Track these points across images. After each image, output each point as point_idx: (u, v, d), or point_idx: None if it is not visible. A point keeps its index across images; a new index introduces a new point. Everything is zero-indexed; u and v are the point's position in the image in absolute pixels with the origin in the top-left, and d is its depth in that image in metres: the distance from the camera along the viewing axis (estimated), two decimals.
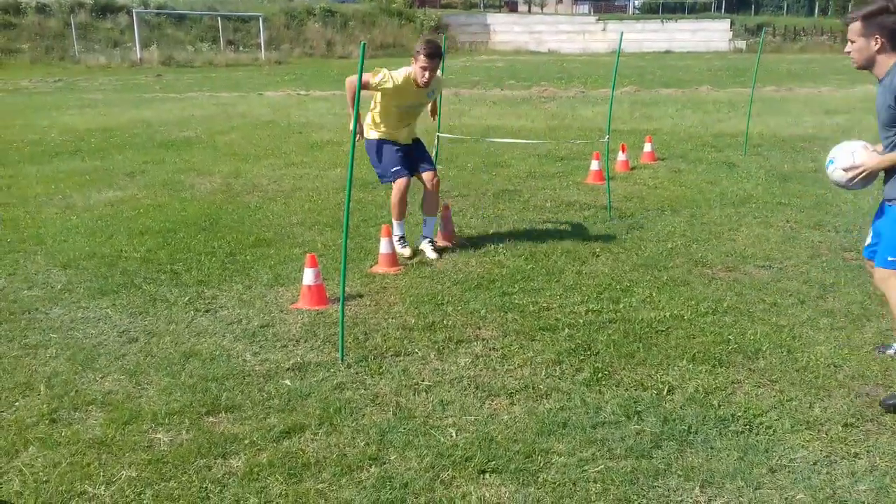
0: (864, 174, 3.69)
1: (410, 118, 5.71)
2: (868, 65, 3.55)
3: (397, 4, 48.67)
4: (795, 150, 10.42)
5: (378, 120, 5.59)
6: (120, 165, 9.61)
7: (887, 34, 3.43)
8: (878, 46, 3.46)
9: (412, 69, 5.32)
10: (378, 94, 5.47)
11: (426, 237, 5.81)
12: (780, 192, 7.89)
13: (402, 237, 5.74)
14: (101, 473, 2.97)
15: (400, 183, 5.58)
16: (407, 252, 5.67)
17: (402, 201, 5.67)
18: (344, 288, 4.11)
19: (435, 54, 5.24)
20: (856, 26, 3.51)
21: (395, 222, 5.73)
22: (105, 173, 9.12)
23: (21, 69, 29.48)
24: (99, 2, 37.06)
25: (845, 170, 3.73)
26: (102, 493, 2.86)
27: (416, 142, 5.85)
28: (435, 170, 5.86)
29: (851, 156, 3.72)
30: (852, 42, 3.55)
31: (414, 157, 5.76)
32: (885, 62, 3.48)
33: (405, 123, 5.68)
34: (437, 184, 5.80)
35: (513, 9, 62.66)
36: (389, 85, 5.29)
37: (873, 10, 3.45)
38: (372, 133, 5.63)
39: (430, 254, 5.69)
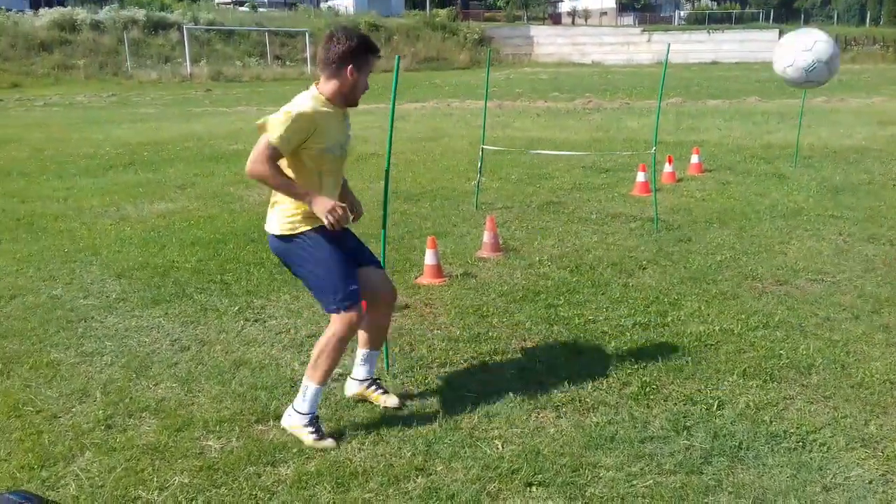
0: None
1: (341, 172, 3.44)
2: None
3: (441, 18, 49.05)
4: (847, 162, 10.20)
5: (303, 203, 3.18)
6: (171, 178, 9.84)
7: None
8: None
9: (321, 88, 3.23)
10: (297, 157, 3.20)
11: (371, 379, 3.65)
12: (832, 204, 7.72)
13: (316, 418, 3.32)
14: (155, 479, 3.04)
15: (354, 313, 3.23)
16: (324, 443, 3.26)
17: (346, 343, 3.31)
18: None
19: (377, 49, 3.31)
20: None
21: (316, 387, 3.29)
22: (157, 185, 9.34)
23: (76, 84, 30.43)
24: (151, 18, 38.13)
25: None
26: (156, 498, 2.92)
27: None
28: (384, 269, 3.63)
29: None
30: None
31: (354, 248, 3.45)
32: None
33: (339, 183, 3.45)
34: (394, 295, 3.62)
35: (556, 21, 62.67)
36: (308, 110, 3.12)
37: None
38: (300, 225, 3.24)
39: (393, 402, 3.59)
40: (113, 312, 4.94)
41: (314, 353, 3.28)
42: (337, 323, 3.23)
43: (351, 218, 3.37)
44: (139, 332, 4.61)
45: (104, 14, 37.43)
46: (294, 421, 3.30)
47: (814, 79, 3.89)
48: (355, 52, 3.19)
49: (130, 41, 35.21)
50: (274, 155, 3.11)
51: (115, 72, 33.74)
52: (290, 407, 3.35)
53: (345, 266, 3.26)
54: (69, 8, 38.95)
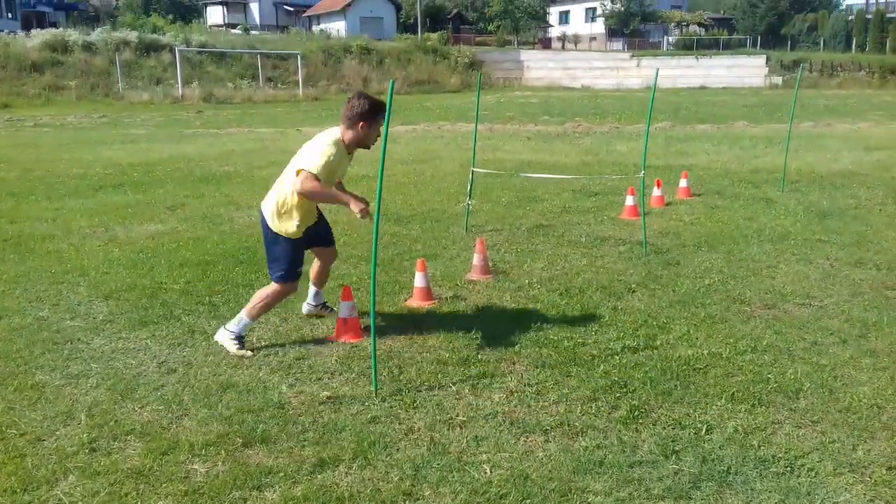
0: None
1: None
2: None
3: (432, 42, 49.42)
4: (834, 187, 10.29)
5: (301, 212, 4.52)
6: (161, 199, 9.83)
7: None
8: None
9: (343, 135, 4.49)
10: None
11: (321, 304, 5.22)
12: (820, 228, 7.78)
13: (241, 337, 4.61)
14: (139, 503, 3.00)
15: (292, 287, 4.67)
16: (243, 352, 4.56)
17: (278, 301, 4.78)
18: (375, 321, 4.13)
19: (382, 110, 4.45)
20: None
21: (245, 320, 4.61)
22: (147, 207, 9.32)
23: (67, 105, 30.41)
24: (143, 40, 38.25)
25: None
26: None
27: (320, 214, 4.86)
28: (335, 244, 5.11)
29: None
30: None
31: (321, 233, 4.89)
32: None
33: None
34: (334, 256, 5.17)
35: (546, 45, 63.25)
36: (334, 151, 4.42)
37: None
38: (292, 229, 4.52)
39: (332, 315, 5.09)
40: (100, 334, 4.90)
41: (254, 298, 4.67)
42: (276, 287, 4.64)
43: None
44: (126, 354, 4.58)
45: (96, 35, 37.54)
46: (224, 336, 4.61)
47: None
48: (366, 114, 4.44)
49: (122, 62, 35.28)
50: (317, 179, 4.36)
51: (107, 93, 33.77)
52: (222, 328, 4.66)
53: (298, 257, 4.65)
54: (61, 29, 39.08)
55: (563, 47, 61.88)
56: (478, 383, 4.11)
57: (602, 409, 3.80)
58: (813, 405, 3.83)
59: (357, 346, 4.63)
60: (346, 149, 4.53)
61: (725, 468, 3.23)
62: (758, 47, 56.89)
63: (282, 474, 3.20)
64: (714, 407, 3.80)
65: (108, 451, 3.41)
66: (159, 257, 6.82)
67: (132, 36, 38.20)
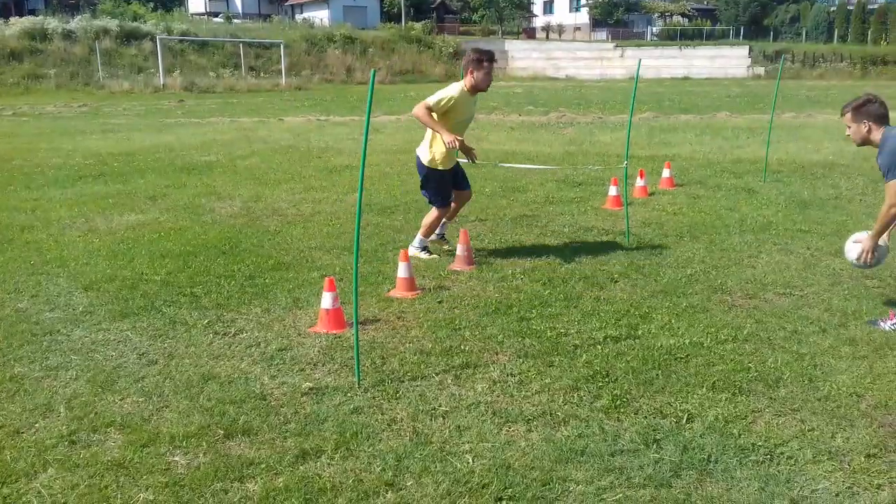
0: (868, 251, 4.83)
1: (463, 134, 6.02)
2: (864, 143, 4.84)
3: (416, 31, 49.18)
4: (815, 177, 10.36)
5: (443, 149, 5.92)
6: (142, 189, 9.74)
7: (873, 118, 4.71)
8: (866, 129, 4.75)
9: (464, 82, 5.85)
10: (443, 117, 5.82)
11: (441, 235, 6.81)
12: (801, 218, 7.84)
13: (426, 247, 6.41)
14: (119, 496, 2.98)
15: (445, 211, 6.30)
16: (431, 256, 6.31)
17: (438, 224, 6.43)
18: (357, 312, 4.12)
19: (494, 58, 5.99)
20: (847, 117, 4.85)
21: (421, 238, 6.34)
22: (127, 197, 9.24)
23: (47, 94, 30.06)
24: (124, 28, 37.79)
25: (857, 258, 4.91)
26: None
27: (457, 163, 6.35)
28: (470, 187, 6.57)
29: (853, 244, 5.00)
30: (849, 128, 4.88)
31: (458, 176, 6.37)
32: (877, 137, 4.72)
33: (461, 135, 6.03)
34: (469, 196, 6.62)
35: (531, 35, 63.16)
36: (456, 94, 5.76)
37: (859, 103, 4.77)
38: (438, 165, 6.05)
39: (448, 248, 6.64)
40: (79, 326, 4.86)
41: (423, 223, 6.33)
42: (435, 212, 6.22)
43: (466, 153, 6.06)
44: (106, 345, 4.54)
45: (76, 24, 37.03)
46: (414, 251, 6.22)
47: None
48: (471, 62, 5.82)
49: (102, 51, 34.87)
50: (428, 109, 5.69)
51: (87, 82, 33.36)
52: (410, 246, 6.29)
53: (448, 187, 6.21)
54: (40, 17, 38.51)
55: (547, 37, 61.86)
56: (460, 373, 4.11)
57: (584, 398, 3.82)
58: (793, 394, 3.86)
59: (339, 337, 4.62)
60: (469, 92, 5.87)
61: (706, 456, 3.26)
62: (741, 38, 57.08)
63: (263, 465, 3.19)
64: (695, 396, 3.83)
65: (87, 444, 3.39)
66: (140, 248, 6.76)
67: (112, 24, 37.71)
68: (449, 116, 5.82)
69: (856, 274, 5.88)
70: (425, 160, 6.04)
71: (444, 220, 6.53)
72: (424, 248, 6.36)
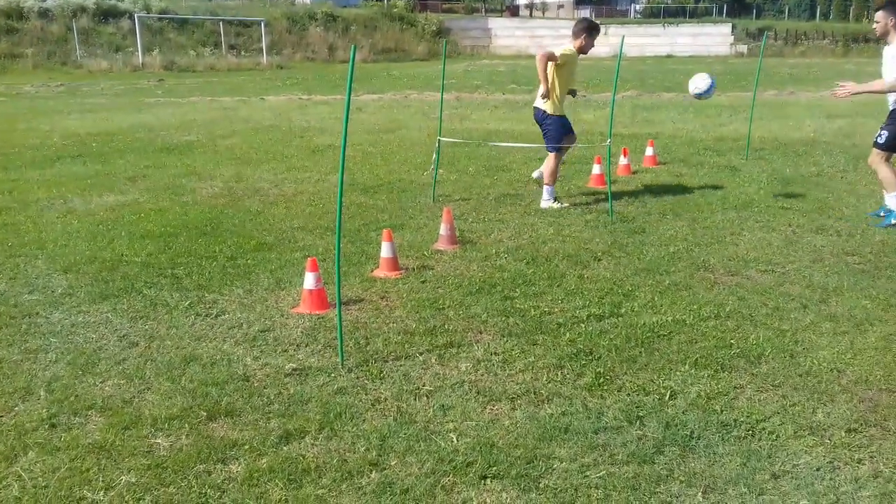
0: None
1: (570, 83, 7.39)
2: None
3: (399, 9, 48.75)
4: (797, 155, 10.41)
5: (558, 99, 7.24)
6: (121, 170, 9.62)
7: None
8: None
9: (574, 44, 7.21)
10: (555, 72, 7.12)
11: (541, 175, 7.85)
12: (783, 196, 7.87)
13: (555, 197, 7.55)
14: (101, 479, 2.96)
15: (560, 155, 7.43)
16: (563, 204, 7.47)
17: (557, 167, 7.53)
18: (340, 292, 4.09)
19: (595, 28, 7.35)
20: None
21: (550, 188, 7.44)
22: (107, 178, 9.12)
23: (24, 74, 29.58)
24: (101, 6, 37.16)
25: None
26: (101, 498, 2.84)
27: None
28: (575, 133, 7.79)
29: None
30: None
31: (566, 123, 7.56)
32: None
33: (569, 85, 7.38)
34: (573, 139, 7.75)
35: (514, 13, 62.80)
36: (570, 52, 7.14)
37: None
38: (557, 111, 7.27)
39: (537, 174, 7.97)
40: (59, 308, 4.80)
41: (545, 173, 7.45)
42: (553, 157, 7.37)
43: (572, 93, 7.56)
44: (86, 327, 4.49)
45: (52, 2, 36.35)
46: (545, 204, 7.42)
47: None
48: (581, 30, 7.24)
49: (80, 29, 34.30)
50: (551, 58, 7.01)
51: (65, 61, 32.83)
52: (541, 200, 7.50)
53: (563, 133, 7.32)
54: None
55: (530, 15, 61.51)
56: (444, 353, 4.11)
57: (568, 376, 3.83)
58: (774, 370, 3.89)
59: (323, 318, 4.60)
60: (577, 52, 7.21)
61: (688, 433, 3.27)
62: (723, 16, 57.07)
63: (247, 447, 3.17)
64: (678, 373, 3.85)
65: (68, 427, 3.36)
66: (120, 229, 6.69)
67: (90, 2, 37.00)
68: (564, 69, 7.13)
69: (836, 250, 5.92)
70: (550, 110, 7.19)
71: (542, 169, 7.68)
72: (556, 199, 7.47)
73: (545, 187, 7.43)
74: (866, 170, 9.23)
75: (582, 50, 7.22)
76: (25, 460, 3.09)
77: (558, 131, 7.25)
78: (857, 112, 14.86)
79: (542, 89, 7.04)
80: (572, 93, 7.47)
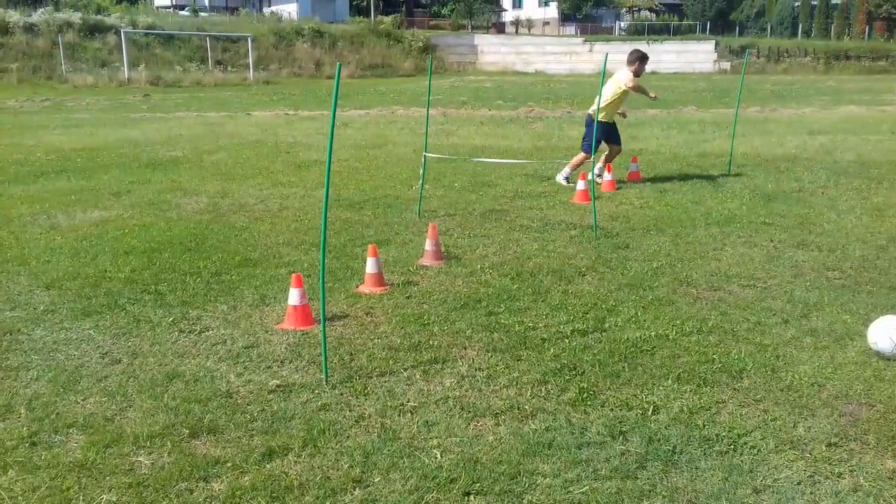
0: None
1: (623, 103, 9.66)
2: None
3: (385, 25, 48.98)
4: (779, 171, 10.52)
5: (611, 111, 9.33)
6: (106, 185, 9.59)
7: None
8: None
9: (631, 70, 9.22)
10: (620, 92, 9.29)
11: (599, 174, 9.24)
12: (765, 211, 7.95)
13: (567, 178, 9.45)
14: (81, 497, 2.93)
15: (587, 156, 8.93)
16: (569, 185, 9.22)
17: (581, 164, 9.39)
18: (324, 307, 4.10)
19: (645, 57, 9.45)
20: None
21: (568, 170, 9.49)
22: (91, 193, 9.08)
23: (8, 89, 29.45)
24: (87, 22, 37.13)
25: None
26: None
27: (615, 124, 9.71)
28: (621, 144, 9.80)
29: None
30: None
31: (614, 134, 9.62)
32: None
33: (623, 103, 9.62)
34: (619, 150, 9.77)
35: (500, 30, 63.26)
36: (633, 83, 9.22)
37: None
38: (605, 118, 9.22)
39: (596, 174, 8.84)
40: (40, 325, 4.77)
41: (572, 161, 9.51)
42: (582, 154, 9.31)
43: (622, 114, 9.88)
44: (68, 344, 4.46)
45: (38, 17, 36.29)
46: (559, 178, 9.46)
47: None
48: (634, 60, 9.28)
49: (65, 44, 34.23)
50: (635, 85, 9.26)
51: (50, 76, 32.74)
52: (557, 174, 9.58)
53: (600, 139, 8.73)
54: (1, 10, 37.67)
55: (516, 32, 61.95)
56: (429, 369, 4.11)
57: (552, 391, 3.84)
58: (756, 384, 3.92)
59: (307, 334, 4.59)
60: (633, 74, 9.21)
61: (671, 448, 3.29)
62: (707, 33, 57.68)
63: (229, 464, 3.16)
64: (660, 388, 3.87)
65: (49, 445, 3.33)
66: (103, 245, 6.66)
67: (76, 17, 37.03)
68: (625, 92, 9.26)
69: (817, 265, 5.98)
70: (600, 116, 8.90)
71: (600, 164, 9.29)
72: (566, 179, 9.38)
73: (565, 168, 9.49)
74: (847, 185, 9.34)
75: (636, 73, 9.16)
76: (5, 479, 3.06)
77: (600, 135, 8.79)
78: (838, 129, 15.04)
79: (651, 95, 9.53)
80: (623, 114, 9.54)
